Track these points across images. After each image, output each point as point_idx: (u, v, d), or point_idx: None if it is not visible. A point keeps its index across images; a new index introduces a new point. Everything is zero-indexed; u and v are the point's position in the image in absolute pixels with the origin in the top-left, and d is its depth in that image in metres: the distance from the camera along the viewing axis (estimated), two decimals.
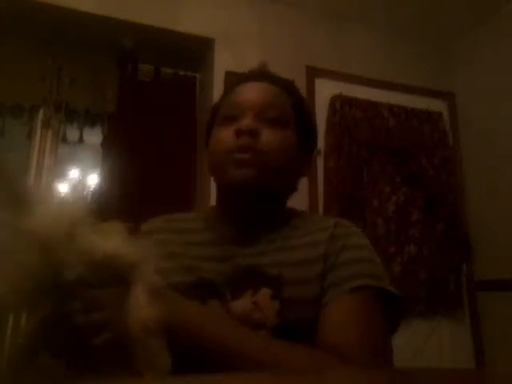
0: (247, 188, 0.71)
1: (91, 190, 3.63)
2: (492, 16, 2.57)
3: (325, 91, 2.48)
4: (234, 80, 0.85)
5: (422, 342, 2.37)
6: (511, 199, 2.37)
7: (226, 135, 0.74)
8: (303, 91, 0.82)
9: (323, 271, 0.68)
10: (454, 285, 2.49)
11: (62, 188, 3.70)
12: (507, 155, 2.43)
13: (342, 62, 2.58)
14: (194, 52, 2.42)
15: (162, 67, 2.47)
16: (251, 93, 0.78)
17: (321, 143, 2.42)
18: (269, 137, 0.73)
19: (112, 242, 0.47)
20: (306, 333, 0.64)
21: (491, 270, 2.47)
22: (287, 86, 0.83)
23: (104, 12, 2.16)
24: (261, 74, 0.83)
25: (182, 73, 2.52)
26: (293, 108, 0.79)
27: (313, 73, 2.48)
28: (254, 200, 0.73)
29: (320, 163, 2.39)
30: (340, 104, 2.46)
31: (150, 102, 2.38)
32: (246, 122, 0.72)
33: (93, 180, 3.74)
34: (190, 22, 2.32)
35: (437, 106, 2.73)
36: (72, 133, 2.35)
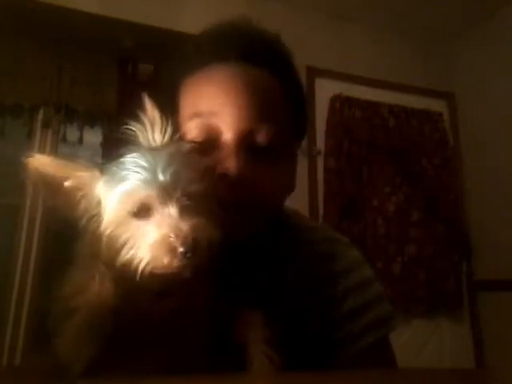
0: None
1: None
2: (492, 16, 2.57)
3: (325, 91, 2.48)
4: (193, 46, 0.65)
5: (422, 342, 2.37)
6: (511, 199, 2.38)
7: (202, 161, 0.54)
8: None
9: None
10: (454, 285, 2.49)
11: None
12: (507, 155, 2.43)
13: (341, 62, 2.57)
14: None
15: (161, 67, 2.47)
16: (230, 100, 0.56)
17: (321, 143, 2.42)
18: (262, 182, 0.56)
19: None
20: None
21: (491, 269, 2.47)
22: (277, 66, 0.63)
23: (104, 12, 2.16)
24: (238, 47, 0.61)
25: None
26: (285, 102, 0.62)
27: (313, 73, 2.47)
28: None
29: (320, 163, 2.39)
30: (340, 104, 2.46)
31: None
32: (232, 167, 0.53)
33: None
34: (190, 22, 2.31)
35: (437, 106, 2.73)
36: (72, 133, 2.35)
